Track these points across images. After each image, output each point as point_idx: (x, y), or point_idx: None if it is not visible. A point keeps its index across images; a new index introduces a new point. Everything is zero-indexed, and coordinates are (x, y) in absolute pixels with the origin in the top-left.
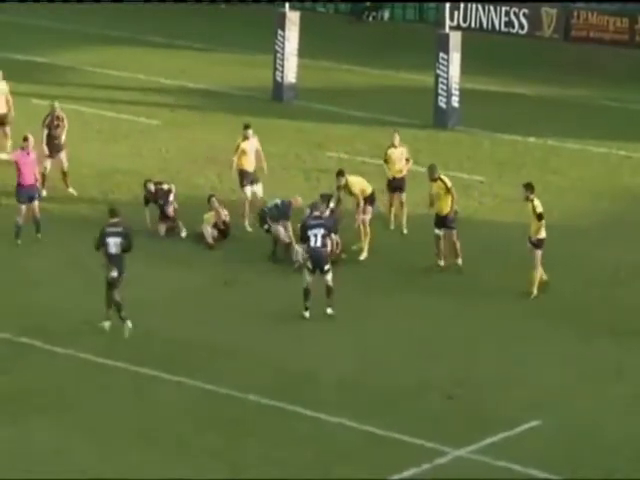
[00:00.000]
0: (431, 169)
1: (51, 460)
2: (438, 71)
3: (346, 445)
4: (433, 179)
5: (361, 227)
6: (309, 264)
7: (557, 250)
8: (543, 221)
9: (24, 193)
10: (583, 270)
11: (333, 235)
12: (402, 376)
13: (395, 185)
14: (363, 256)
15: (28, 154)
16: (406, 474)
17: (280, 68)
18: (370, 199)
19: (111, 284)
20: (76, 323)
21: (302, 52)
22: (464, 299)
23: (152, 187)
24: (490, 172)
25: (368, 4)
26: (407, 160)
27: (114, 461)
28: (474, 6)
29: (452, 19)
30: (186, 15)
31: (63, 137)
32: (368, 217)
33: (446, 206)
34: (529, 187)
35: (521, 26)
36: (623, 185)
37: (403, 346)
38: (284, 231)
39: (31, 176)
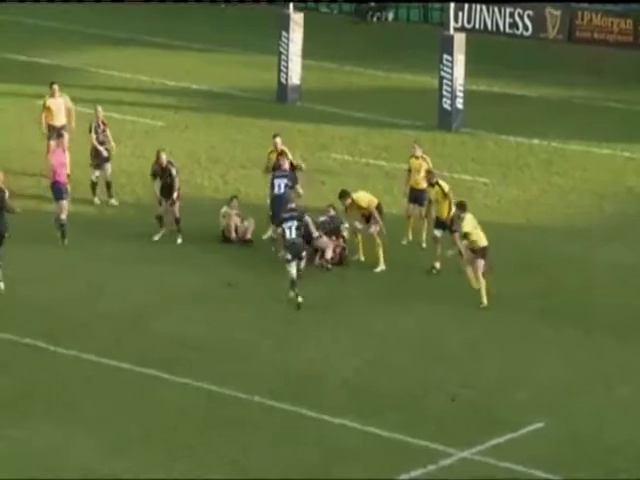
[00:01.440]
0: (428, 173)
1: (55, 460)
2: (442, 73)
3: (351, 446)
4: (431, 184)
5: (376, 239)
6: (288, 256)
7: (560, 250)
8: (468, 239)
9: (62, 189)
10: (586, 271)
11: (339, 240)
12: (406, 378)
13: (414, 197)
14: (380, 268)
15: (63, 151)
16: (412, 475)
17: (284, 69)
18: (378, 210)
19: None
20: (80, 324)
21: (306, 53)
22: (468, 301)
23: (164, 159)
24: (494, 174)
25: (372, 4)
26: (427, 172)
27: (119, 462)
28: (478, 7)
29: (456, 20)
30: (189, 16)
31: (111, 144)
32: (377, 228)
33: (445, 211)
34: (460, 206)
35: (525, 27)
36: (627, 186)
37: (407, 348)
38: (331, 245)
39: (63, 173)
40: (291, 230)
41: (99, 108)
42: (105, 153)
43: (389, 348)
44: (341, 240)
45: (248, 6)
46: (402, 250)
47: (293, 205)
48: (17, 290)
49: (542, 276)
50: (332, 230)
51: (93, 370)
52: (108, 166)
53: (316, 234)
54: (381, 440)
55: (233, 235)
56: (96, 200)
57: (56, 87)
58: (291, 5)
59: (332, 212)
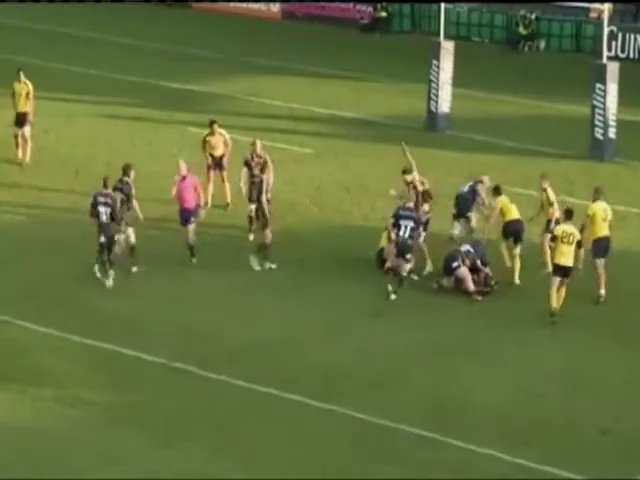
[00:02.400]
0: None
1: None
2: (595, 102)
3: (497, 477)
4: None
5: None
6: (395, 250)
7: None
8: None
9: (182, 216)
10: None
11: (482, 267)
12: (555, 409)
13: (547, 227)
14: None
15: (182, 179)
16: None
17: (434, 98)
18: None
19: None
20: (229, 349)
21: (457, 82)
22: (615, 331)
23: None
24: None
25: (524, 33)
26: (550, 204)
27: None
28: (632, 36)
29: (610, 49)
30: (340, 44)
31: (267, 178)
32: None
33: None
34: (566, 212)
35: None
36: None
37: (555, 378)
38: (469, 277)
39: (188, 200)
40: (406, 228)
41: (258, 142)
42: (258, 182)
43: (537, 378)
44: (487, 268)
45: (402, 36)
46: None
47: (411, 204)
48: (168, 315)
49: None
50: (474, 261)
51: (242, 395)
52: (264, 200)
53: (455, 264)
54: (529, 472)
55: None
56: (251, 237)
57: (216, 126)
58: (442, 34)
59: (482, 242)
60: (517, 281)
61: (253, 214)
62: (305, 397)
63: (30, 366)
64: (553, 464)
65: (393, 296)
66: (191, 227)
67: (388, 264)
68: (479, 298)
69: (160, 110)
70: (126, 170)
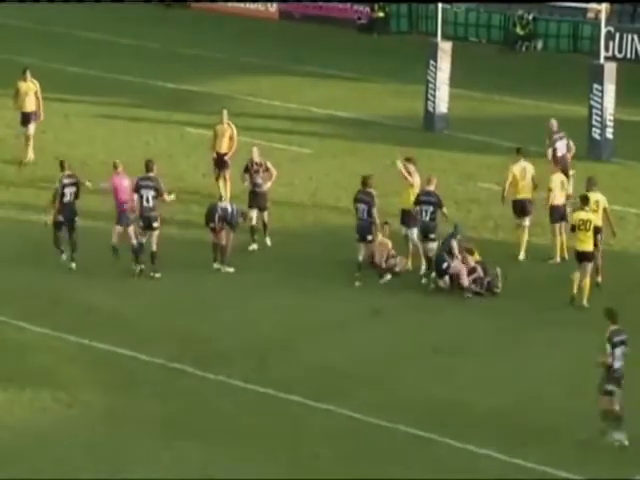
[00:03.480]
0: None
1: None
2: (592, 102)
3: (495, 477)
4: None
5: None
6: (418, 232)
7: None
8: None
9: (120, 217)
10: None
11: (477, 269)
12: (554, 410)
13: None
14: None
15: (116, 174)
16: None
17: (432, 98)
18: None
19: None
20: (229, 349)
21: (454, 82)
22: None
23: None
24: None
25: (521, 34)
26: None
27: None
28: (630, 36)
29: (607, 49)
30: (337, 45)
31: (266, 187)
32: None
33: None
34: (582, 199)
35: None
36: None
37: (553, 379)
38: (464, 270)
39: (122, 200)
40: (427, 213)
41: (254, 149)
42: (258, 191)
43: (536, 378)
44: (476, 265)
45: (399, 36)
46: (549, 281)
47: (432, 188)
48: (166, 315)
49: None
50: (453, 244)
51: (240, 395)
52: (265, 213)
53: (445, 264)
54: (527, 472)
55: (383, 264)
56: (254, 246)
57: (225, 114)
58: (439, 34)
59: (458, 227)
60: (521, 257)
61: (254, 222)
62: (303, 397)
63: (28, 366)
64: (551, 464)
65: (424, 280)
66: (130, 229)
67: (376, 259)
68: (470, 295)
69: (158, 110)
70: (149, 165)
